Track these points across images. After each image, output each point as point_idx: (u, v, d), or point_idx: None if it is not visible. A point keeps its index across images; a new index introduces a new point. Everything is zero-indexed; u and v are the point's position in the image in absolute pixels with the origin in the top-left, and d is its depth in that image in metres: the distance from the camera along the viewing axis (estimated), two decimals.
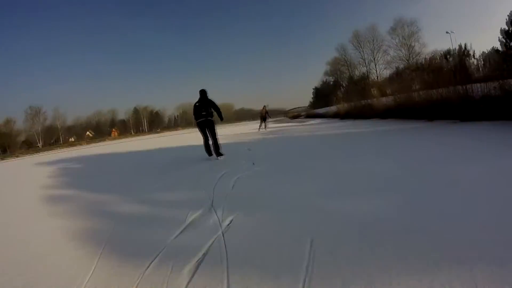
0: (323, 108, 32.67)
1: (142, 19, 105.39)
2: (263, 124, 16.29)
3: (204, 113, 5.37)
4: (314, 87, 68.63)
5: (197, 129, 5.77)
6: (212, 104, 5.47)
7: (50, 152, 33.90)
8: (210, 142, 5.58)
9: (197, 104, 5.53)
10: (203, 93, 5.57)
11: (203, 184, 3.50)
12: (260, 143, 8.22)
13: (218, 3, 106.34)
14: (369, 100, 16.95)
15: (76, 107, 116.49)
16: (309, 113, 36.30)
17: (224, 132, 16.48)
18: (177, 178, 4.28)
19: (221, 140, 5.92)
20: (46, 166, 10.13)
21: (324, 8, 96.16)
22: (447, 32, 29.94)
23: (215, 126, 5.55)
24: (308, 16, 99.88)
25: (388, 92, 16.05)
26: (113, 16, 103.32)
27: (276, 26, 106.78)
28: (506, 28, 23.72)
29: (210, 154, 5.62)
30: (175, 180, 4.16)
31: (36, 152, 39.11)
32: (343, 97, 21.85)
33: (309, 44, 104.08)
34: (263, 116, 16.35)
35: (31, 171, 9.67)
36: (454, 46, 28.60)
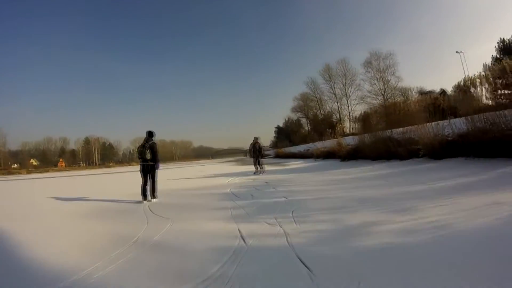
0: (299, 146, 26.21)
1: (102, 46, 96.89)
2: (258, 165, 10.41)
3: (147, 157, 5.34)
4: (276, 126, 64.50)
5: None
6: (151, 150, 5.39)
7: None
8: (148, 186, 5.41)
9: (140, 147, 5.51)
10: (148, 135, 5.56)
11: None
12: None
13: (175, 34, 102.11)
14: (404, 130, 10.51)
15: (25, 131, 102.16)
16: (279, 153, 29.63)
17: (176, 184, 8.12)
18: None
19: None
20: None
21: (290, 47, 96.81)
22: (457, 52, 26.95)
23: (156, 171, 5.48)
24: (274, 52, 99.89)
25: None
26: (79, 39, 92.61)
27: (239, 61, 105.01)
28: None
29: (144, 198, 5.26)
30: None
31: None
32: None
33: (272, 81, 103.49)
34: (256, 152, 10.42)
35: None
36: (465, 66, 25.64)
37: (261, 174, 9.83)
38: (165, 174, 6.81)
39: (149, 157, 5.33)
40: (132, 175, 16.45)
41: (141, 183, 5.39)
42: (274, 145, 59.16)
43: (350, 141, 14.06)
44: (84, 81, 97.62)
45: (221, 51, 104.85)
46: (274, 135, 65.26)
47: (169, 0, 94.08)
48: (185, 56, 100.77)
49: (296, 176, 8.12)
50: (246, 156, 66.53)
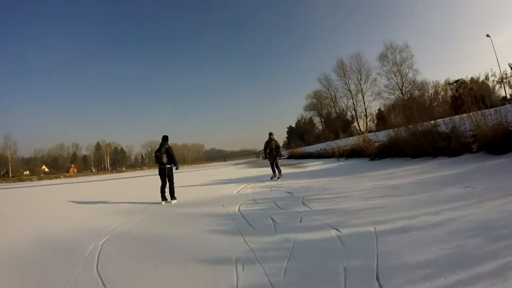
0: (315, 145, 24.19)
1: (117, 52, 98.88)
2: (276, 168, 8.41)
3: (164, 161, 5.67)
4: (288, 126, 62.67)
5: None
6: (167, 153, 5.70)
7: None
8: (167, 187, 5.74)
9: (157, 152, 5.82)
10: (163, 139, 5.90)
11: None
12: None
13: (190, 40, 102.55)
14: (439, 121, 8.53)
15: (39, 138, 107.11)
16: (294, 153, 27.64)
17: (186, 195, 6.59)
18: None
19: None
20: None
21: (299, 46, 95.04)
22: (487, 36, 26.10)
23: (173, 173, 5.88)
24: (286, 52, 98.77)
25: None
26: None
27: (251, 64, 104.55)
28: None
29: (164, 198, 5.60)
30: None
31: None
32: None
33: (283, 82, 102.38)
34: (273, 151, 8.46)
35: None
36: (496, 50, 24.82)
37: (278, 179, 8.02)
38: None
39: (166, 160, 5.72)
40: (137, 181, 15.00)
41: (160, 185, 5.76)
42: (287, 145, 57.49)
43: (375, 137, 12.07)
44: (96, 87, 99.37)
45: (233, 53, 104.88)
46: (286, 135, 63.53)
47: (181, 4, 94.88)
48: (198, 60, 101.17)
49: (326, 182, 6.23)
50: (259, 157, 64.85)
